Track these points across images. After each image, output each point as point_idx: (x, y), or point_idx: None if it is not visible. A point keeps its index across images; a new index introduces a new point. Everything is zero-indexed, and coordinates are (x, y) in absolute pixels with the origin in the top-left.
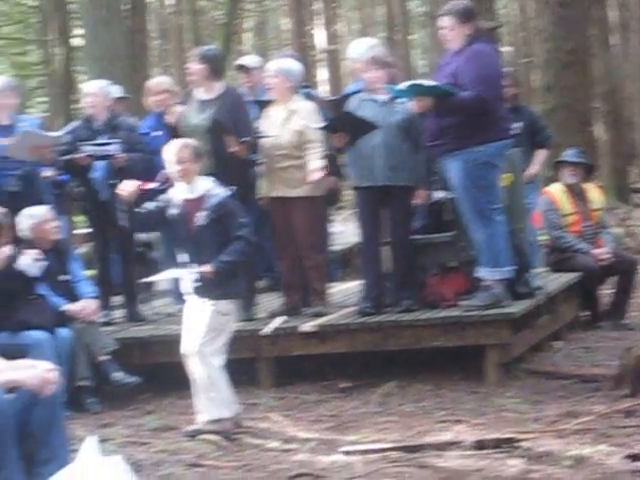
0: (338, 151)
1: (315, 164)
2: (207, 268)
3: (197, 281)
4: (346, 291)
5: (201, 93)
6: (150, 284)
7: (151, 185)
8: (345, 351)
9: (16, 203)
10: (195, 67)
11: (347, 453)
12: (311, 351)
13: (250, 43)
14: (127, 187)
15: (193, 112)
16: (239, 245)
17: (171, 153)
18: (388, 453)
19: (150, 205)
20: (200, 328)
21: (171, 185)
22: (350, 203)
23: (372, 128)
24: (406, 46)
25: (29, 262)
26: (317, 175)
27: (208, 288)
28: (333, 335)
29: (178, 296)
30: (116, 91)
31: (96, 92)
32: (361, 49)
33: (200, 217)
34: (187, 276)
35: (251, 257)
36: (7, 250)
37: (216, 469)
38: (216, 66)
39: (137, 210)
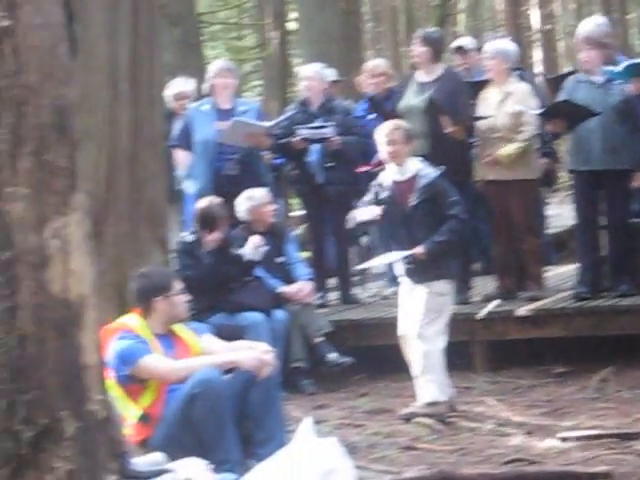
0: (554, 137)
1: (506, 150)
2: (419, 249)
3: (410, 263)
4: (562, 275)
5: (421, 75)
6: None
7: (365, 168)
8: (560, 336)
9: (235, 186)
10: (419, 49)
11: (563, 439)
12: (526, 335)
13: (464, 24)
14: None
15: (412, 94)
16: (451, 224)
17: (382, 135)
18: (605, 440)
19: (365, 200)
20: (418, 311)
21: (384, 168)
22: (565, 185)
23: (591, 115)
24: (623, 25)
25: (251, 249)
26: (495, 159)
27: (422, 270)
28: (548, 319)
29: (392, 279)
30: (331, 74)
31: (312, 75)
32: (584, 28)
33: (411, 198)
34: (401, 259)
35: (465, 237)
36: (220, 235)
37: (431, 452)
38: (438, 48)
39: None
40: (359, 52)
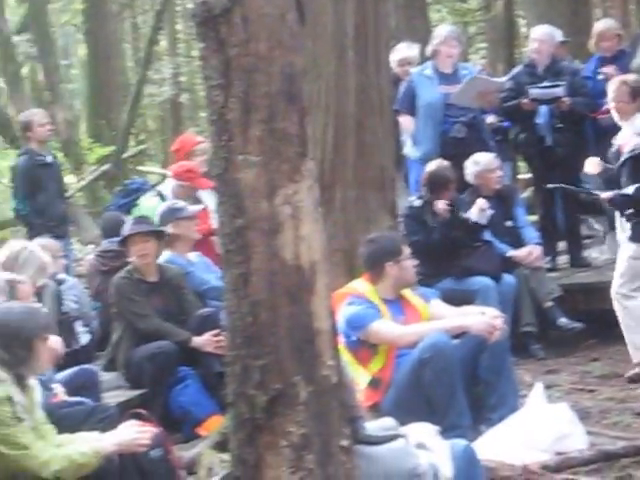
0: None
1: None
2: (606, 195)
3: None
4: None
5: None
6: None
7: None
8: None
9: (462, 149)
10: None
11: None
12: None
13: None
14: (592, 164)
15: None
16: None
17: (610, 91)
18: None
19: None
20: (617, 271)
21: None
22: None
23: None
24: None
25: (477, 212)
26: None
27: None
28: None
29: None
30: (559, 35)
31: (542, 37)
32: None
33: (623, 155)
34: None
35: None
36: (449, 198)
37: None
38: None
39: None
40: (587, 11)
